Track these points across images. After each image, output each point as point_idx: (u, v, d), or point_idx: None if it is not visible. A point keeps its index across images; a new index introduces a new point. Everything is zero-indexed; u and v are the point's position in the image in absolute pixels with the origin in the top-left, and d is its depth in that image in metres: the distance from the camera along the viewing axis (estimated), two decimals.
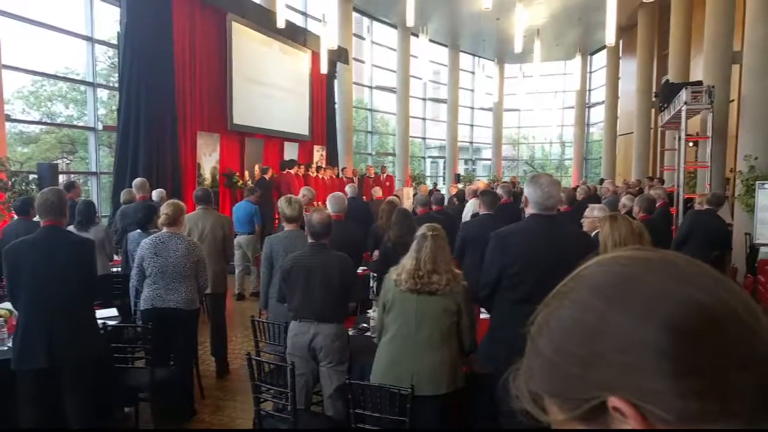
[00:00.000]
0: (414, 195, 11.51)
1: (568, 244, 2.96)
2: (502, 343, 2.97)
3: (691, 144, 11.97)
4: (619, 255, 0.56)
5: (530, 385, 0.57)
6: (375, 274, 5.35)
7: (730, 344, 0.48)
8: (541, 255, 2.87)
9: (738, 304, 0.50)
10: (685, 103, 9.97)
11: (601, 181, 15.92)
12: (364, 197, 11.10)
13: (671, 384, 0.48)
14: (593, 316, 0.52)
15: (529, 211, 3.01)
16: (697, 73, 12.91)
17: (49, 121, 13.21)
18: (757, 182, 8.41)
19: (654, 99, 15.92)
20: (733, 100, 11.40)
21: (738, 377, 0.48)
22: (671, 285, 0.50)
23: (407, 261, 3.04)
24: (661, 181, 13.08)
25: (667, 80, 13.46)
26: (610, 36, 12.30)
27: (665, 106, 12.32)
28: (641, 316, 0.49)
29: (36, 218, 4.42)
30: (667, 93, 12.07)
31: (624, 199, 6.41)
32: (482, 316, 3.80)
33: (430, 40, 18.08)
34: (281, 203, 4.58)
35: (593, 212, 4.61)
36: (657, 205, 6.89)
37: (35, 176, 8.06)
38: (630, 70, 20.20)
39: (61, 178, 8.22)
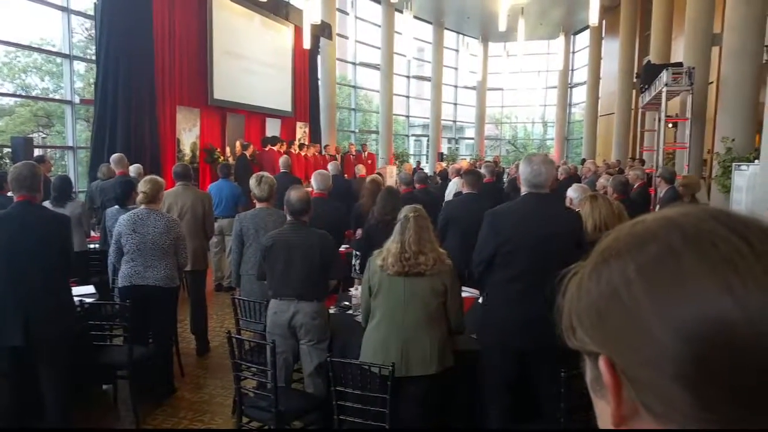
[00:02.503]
0: (398, 173, 11.49)
1: (558, 221, 3.02)
2: (494, 320, 3.03)
3: (670, 125, 12.09)
4: (687, 225, 0.51)
5: (573, 304, 0.57)
6: (358, 252, 5.36)
7: (740, 373, 0.45)
8: (532, 232, 2.93)
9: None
10: (666, 84, 10.05)
11: (583, 161, 16.02)
12: (345, 175, 11.05)
13: (661, 379, 0.48)
14: (625, 290, 0.51)
15: (523, 189, 3.05)
16: (679, 54, 12.98)
17: (23, 94, 12.89)
18: (734, 164, 8.55)
19: (635, 80, 16.01)
20: (712, 82, 11.51)
21: (731, 408, 0.46)
22: (709, 288, 0.47)
23: (392, 245, 3.02)
24: (642, 162, 13.22)
25: (649, 61, 13.53)
26: (593, 16, 12.31)
27: (646, 87, 12.41)
28: (664, 311, 0.48)
29: (9, 193, 4.34)
30: (648, 74, 12.14)
31: (602, 180, 6.41)
32: (465, 294, 3.82)
33: (415, 17, 17.91)
34: (251, 182, 4.56)
35: (567, 192, 4.57)
36: (636, 185, 6.97)
37: (9, 150, 7.89)
38: (612, 50, 20.25)
39: (37, 152, 8.04)
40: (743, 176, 8.29)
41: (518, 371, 3.03)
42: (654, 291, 0.49)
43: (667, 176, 6.46)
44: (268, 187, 4.48)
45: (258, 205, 4.52)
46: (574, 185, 4.77)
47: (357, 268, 5.29)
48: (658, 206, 6.11)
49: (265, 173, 4.81)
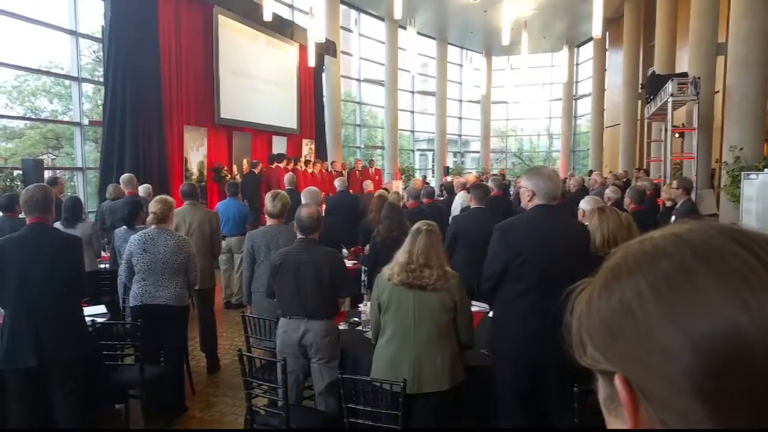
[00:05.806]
0: (405, 188, 11.51)
1: (570, 234, 3.02)
2: (506, 334, 3.01)
3: (677, 135, 12.08)
4: (696, 241, 0.52)
5: (582, 321, 0.57)
6: (366, 268, 5.37)
7: (753, 388, 0.45)
8: (545, 245, 2.91)
9: None
10: (671, 94, 10.05)
11: (590, 172, 15.99)
12: (351, 190, 11.07)
13: (678, 394, 0.47)
14: (639, 306, 0.51)
15: (535, 202, 3.02)
16: (683, 64, 13.00)
17: (33, 116, 13.05)
18: (743, 173, 8.51)
19: (640, 91, 16.02)
20: (718, 92, 11.50)
21: (743, 416, 0.46)
22: (723, 302, 0.47)
23: (400, 254, 3.05)
24: (647, 173, 13.17)
25: (654, 72, 13.54)
26: (596, 28, 12.34)
27: (651, 97, 12.41)
28: (679, 327, 0.48)
29: (21, 215, 4.38)
30: (654, 84, 12.15)
31: (608, 192, 6.30)
32: (474, 309, 3.81)
33: (418, 33, 18.03)
34: (266, 198, 4.57)
35: (580, 204, 4.58)
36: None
37: (20, 172, 7.97)
38: (616, 61, 20.30)
39: (47, 174, 8.12)
40: (753, 185, 8.24)
41: (531, 384, 3.00)
42: (668, 307, 0.49)
43: (688, 186, 6.38)
44: (281, 205, 4.47)
45: (269, 222, 4.52)
46: (587, 197, 4.75)
47: (366, 283, 5.29)
48: (673, 217, 6.04)
49: (281, 191, 4.81)
